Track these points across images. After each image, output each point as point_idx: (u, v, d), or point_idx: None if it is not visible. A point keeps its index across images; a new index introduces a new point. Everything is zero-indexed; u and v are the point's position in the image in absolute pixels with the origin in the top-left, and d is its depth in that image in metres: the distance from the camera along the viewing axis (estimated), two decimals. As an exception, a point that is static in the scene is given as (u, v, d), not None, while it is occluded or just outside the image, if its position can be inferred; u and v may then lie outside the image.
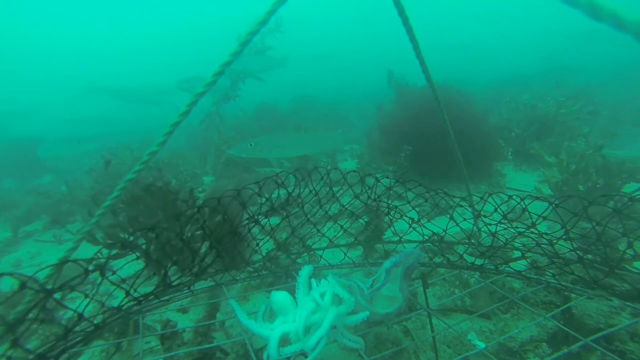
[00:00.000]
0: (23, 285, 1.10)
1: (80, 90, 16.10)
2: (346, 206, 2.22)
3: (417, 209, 2.17)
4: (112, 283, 1.43)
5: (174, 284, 1.77)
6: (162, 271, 1.68)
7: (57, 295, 1.25)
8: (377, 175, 2.18)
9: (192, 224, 2.08)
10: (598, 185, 3.58)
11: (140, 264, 1.85)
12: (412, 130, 4.79)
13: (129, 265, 1.78)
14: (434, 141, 4.48)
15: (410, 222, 2.15)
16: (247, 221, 2.01)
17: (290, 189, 2.07)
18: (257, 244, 2.10)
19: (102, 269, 1.35)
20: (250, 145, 5.14)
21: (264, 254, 2.18)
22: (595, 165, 3.70)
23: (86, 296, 1.39)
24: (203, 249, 1.86)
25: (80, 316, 1.37)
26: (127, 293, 1.55)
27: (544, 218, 1.72)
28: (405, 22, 1.82)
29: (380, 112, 5.76)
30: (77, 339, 1.43)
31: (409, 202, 2.09)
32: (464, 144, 3.27)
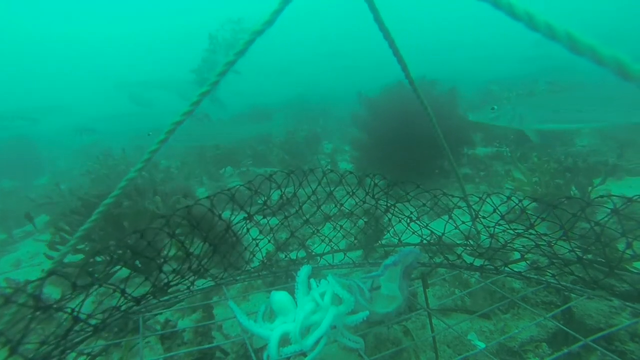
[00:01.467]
0: (7, 300, 1.08)
1: (112, 88, 16.01)
2: (344, 206, 2.22)
3: (416, 209, 2.16)
4: (110, 285, 1.42)
5: (172, 283, 1.76)
6: (156, 271, 1.67)
7: (56, 296, 1.24)
8: (376, 178, 2.17)
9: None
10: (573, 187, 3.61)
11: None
12: (383, 153, 4.95)
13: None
14: (406, 154, 4.64)
15: (408, 222, 2.14)
16: (244, 221, 2.01)
17: (287, 190, 2.06)
18: (257, 244, 2.10)
19: (94, 278, 1.34)
20: (149, 134, 5.33)
21: (264, 255, 2.18)
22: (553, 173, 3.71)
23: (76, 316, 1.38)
24: (197, 251, 1.85)
25: (77, 319, 1.36)
26: (123, 293, 1.53)
27: (543, 219, 1.72)
28: (378, 20, 1.80)
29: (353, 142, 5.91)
30: (77, 340, 1.43)
31: (407, 201, 2.09)
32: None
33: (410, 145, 4.72)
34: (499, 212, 1.87)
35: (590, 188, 3.62)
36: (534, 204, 1.87)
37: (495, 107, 4.19)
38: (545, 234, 1.77)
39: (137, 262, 2.35)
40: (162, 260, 1.69)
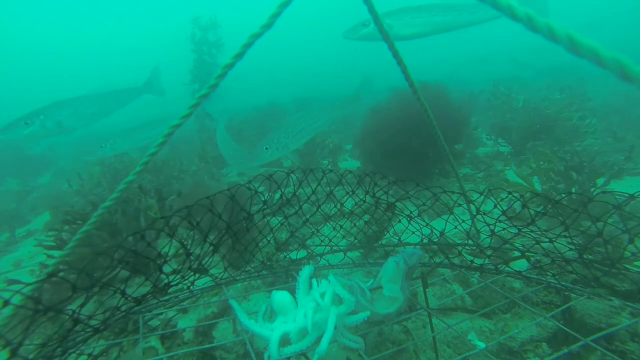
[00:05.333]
0: (6, 303, 1.07)
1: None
2: (344, 205, 2.22)
3: (417, 207, 2.16)
4: (111, 287, 1.42)
5: (172, 283, 1.76)
6: (157, 272, 1.67)
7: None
8: (376, 177, 2.16)
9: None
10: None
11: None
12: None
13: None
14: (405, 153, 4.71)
15: (409, 220, 2.14)
16: (244, 220, 2.01)
17: (289, 189, 2.06)
18: (257, 244, 2.10)
19: (101, 283, 1.34)
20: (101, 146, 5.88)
21: (264, 255, 2.17)
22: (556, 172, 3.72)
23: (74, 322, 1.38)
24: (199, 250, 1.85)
25: (77, 321, 1.35)
26: (123, 294, 1.53)
27: (543, 214, 1.71)
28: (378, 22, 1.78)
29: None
30: (78, 339, 1.43)
31: (408, 198, 2.08)
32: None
33: (405, 153, 4.77)
34: (499, 208, 1.85)
35: (593, 189, 3.62)
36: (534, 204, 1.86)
37: (267, 147, 4.94)
38: (547, 230, 1.76)
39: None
40: (162, 260, 1.70)
